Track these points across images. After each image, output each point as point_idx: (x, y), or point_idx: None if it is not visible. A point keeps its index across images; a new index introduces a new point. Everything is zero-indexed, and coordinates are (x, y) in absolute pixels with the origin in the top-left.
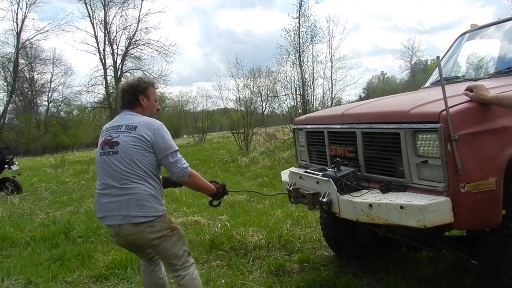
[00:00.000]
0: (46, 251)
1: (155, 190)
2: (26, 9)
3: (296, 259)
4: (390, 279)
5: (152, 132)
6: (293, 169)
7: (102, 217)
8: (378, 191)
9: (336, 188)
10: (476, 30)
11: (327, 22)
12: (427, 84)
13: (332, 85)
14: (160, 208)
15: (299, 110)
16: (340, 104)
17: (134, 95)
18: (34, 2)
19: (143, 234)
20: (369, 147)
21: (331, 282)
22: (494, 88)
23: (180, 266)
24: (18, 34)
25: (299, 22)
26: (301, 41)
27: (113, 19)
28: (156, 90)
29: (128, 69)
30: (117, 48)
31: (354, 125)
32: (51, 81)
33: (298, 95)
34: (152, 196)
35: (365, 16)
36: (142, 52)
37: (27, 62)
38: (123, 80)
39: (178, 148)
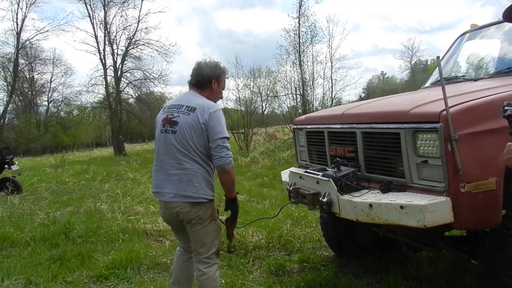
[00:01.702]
0: (46, 251)
1: (207, 173)
2: (26, 9)
3: (296, 259)
4: (390, 279)
5: (208, 114)
6: (293, 169)
7: (155, 192)
8: (378, 191)
9: (336, 188)
10: (476, 30)
11: (327, 22)
12: (427, 84)
13: (332, 85)
14: (209, 192)
15: (299, 110)
16: (340, 104)
17: (209, 77)
18: (34, 2)
19: (187, 209)
20: (369, 147)
21: (331, 282)
22: (494, 88)
23: (205, 258)
24: (18, 34)
25: (299, 22)
26: (301, 41)
27: (113, 19)
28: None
29: (128, 69)
30: (117, 48)
31: (354, 125)
32: (51, 81)
33: (298, 95)
34: (204, 178)
35: (365, 16)
36: (142, 52)
37: (27, 62)
38: (123, 81)
39: (229, 137)
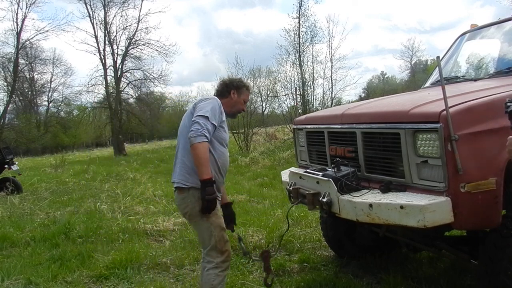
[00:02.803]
0: (46, 251)
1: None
2: (26, 9)
3: (296, 259)
4: (390, 279)
5: (200, 100)
6: (293, 169)
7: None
8: (378, 191)
9: (336, 188)
10: (476, 30)
11: (327, 22)
12: (427, 84)
13: (332, 85)
14: (190, 179)
15: (299, 110)
16: (340, 104)
17: (228, 87)
18: (34, 2)
19: (179, 200)
20: (369, 147)
21: (331, 282)
22: (494, 88)
23: (205, 254)
24: (18, 34)
25: (299, 22)
26: (301, 41)
27: (113, 19)
28: (249, 97)
29: (128, 69)
30: (117, 48)
31: (354, 125)
32: (51, 81)
33: (298, 95)
34: (186, 164)
35: (365, 16)
36: (142, 52)
37: (27, 62)
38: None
39: (208, 115)
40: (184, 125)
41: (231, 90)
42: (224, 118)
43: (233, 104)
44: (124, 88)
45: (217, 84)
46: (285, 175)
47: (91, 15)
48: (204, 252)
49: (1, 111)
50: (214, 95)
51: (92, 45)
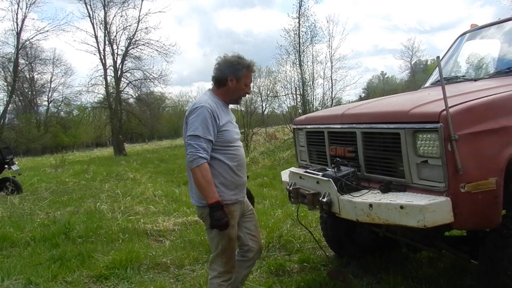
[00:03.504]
0: (46, 251)
1: (211, 171)
2: (26, 9)
3: (296, 259)
4: (390, 279)
5: (189, 111)
6: (293, 169)
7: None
8: (378, 191)
9: (336, 188)
10: (476, 30)
11: (327, 22)
12: (427, 84)
13: (332, 85)
14: (202, 200)
15: (299, 110)
16: (340, 104)
17: (223, 73)
18: (34, 2)
19: (199, 215)
20: (369, 147)
21: (331, 282)
22: (494, 88)
23: (211, 260)
24: (18, 34)
25: (299, 22)
26: (301, 41)
27: (113, 19)
28: (252, 74)
29: (128, 69)
30: (117, 48)
31: (354, 125)
32: (51, 81)
33: (298, 95)
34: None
35: (365, 16)
36: (142, 52)
37: (27, 62)
38: (123, 81)
39: (198, 134)
40: (185, 138)
41: (227, 77)
42: (223, 119)
43: (232, 92)
44: (124, 88)
45: (214, 67)
46: (285, 175)
47: (91, 15)
48: (210, 257)
49: (1, 111)
50: (209, 89)
51: (92, 45)
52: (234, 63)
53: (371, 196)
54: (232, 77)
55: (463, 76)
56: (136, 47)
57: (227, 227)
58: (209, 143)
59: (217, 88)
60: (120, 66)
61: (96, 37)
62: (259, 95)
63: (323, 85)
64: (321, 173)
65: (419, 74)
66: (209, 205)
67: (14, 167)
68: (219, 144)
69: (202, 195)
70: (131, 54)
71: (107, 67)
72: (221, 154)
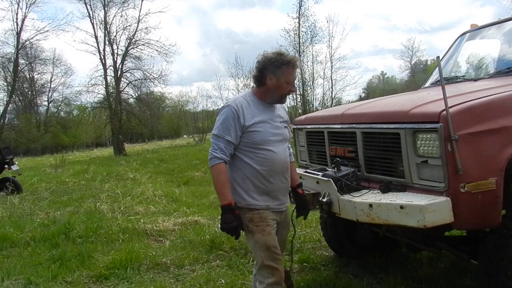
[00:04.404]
0: (46, 251)
1: (239, 174)
2: (26, 9)
3: (296, 259)
4: (390, 279)
5: (220, 109)
6: None
7: None
8: (378, 191)
9: (336, 188)
10: (476, 30)
11: (327, 22)
12: (427, 84)
13: (332, 85)
14: (239, 199)
15: (299, 110)
16: (340, 104)
17: (262, 72)
18: (34, 2)
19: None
20: (369, 147)
21: (331, 282)
22: (494, 88)
23: (256, 271)
24: (18, 34)
25: (299, 22)
26: (301, 41)
27: (113, 19)
28: (295, 70)
29: (128, 69)
30: (117, 48)
31: (354, 125)
32: (51, 81)
33: (298, 95)
34: (235, 181)
35: (364, 16)
36: (142, 52)
37: (27, 62)
38: (123, 81)
39: (218, 133)
40: None
41: (266, 76)
42: (253, 119)
43: (273, 91)
44: (124, 88)
45: (254, 67)
46: None
47: (91, 15)
48: (255, 269)
49: (1, 111)
50: (251, 87)
51: (92, 45)
52: (272, 60)
53: (371, 196)
54: (271, 76)
55: (463, 76)
56: (136, 47)
57: (236, 233)
58: (228, 144)
59: (258, 87)
60: (120, 66)
61: (96, 37)
62: None
63: (323, 85)
64: (321, 173)
65: (419, 74)
66: (221, 207)
67: (14, 167)
68: (245, 145)
69: (217, 193)
70: (131, 54)
71: (107, 67)
72: (247, 157)
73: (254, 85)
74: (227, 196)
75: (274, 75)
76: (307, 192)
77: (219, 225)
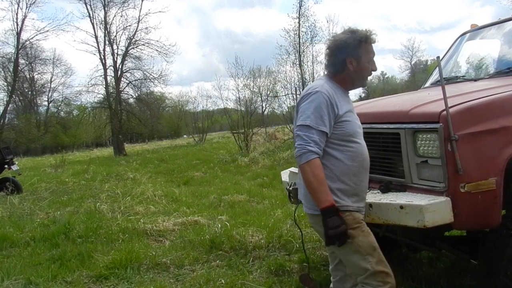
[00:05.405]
0: (46, 251)
1: (327, 172)
2: (26, 9)
3: (296, 259)
4: None
5: (301, 97)
6: (293, 169)
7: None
8: (378, 191)
9: None
10: (476, 30)
11: (327, 22)
12: (427, 84)
13: None
14: (311, 202)
15: None
16: None
17: (338, 57)
18: (34, 2)
19: (312, 224)
20: (369, 147)
21: (331, 282)
22: (494, 88)
23: (362, 282)
24: (18, 34)
25: (299, 22)
26: (301, 41)
27: (113, 19)
28: (372, 45)
29: (128, 69)
30: (117, 48)
31: None
32: (51, 81)
33: (298, 95)
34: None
35: (364, 16)
36: (142, 52)
37: (27, 62)
38: (123, 81)
39: (310, 124)
40: (294, 128)
41: (346, 60)
42: (343, 107)
43: (357, 75)
44: (124, 88)
45: (324, 54)
46: (285, 175)
47: (91, 15)
48: (360, 280)
49: (1, 111)
50: (324, 75)
51: (92, 45)
52: (347, 40)
53: (371, 196)
54: (351, 59)
55: (463, 76)
56: (136, 47)
57: (346, 239)
58: (322, 135)
59: (335, 75)
60: (120, 66)
61: (96, 37)
62: (259, 95)
63: None
64: None
65: (419, 74)
66: (320, 210)
67: (14, 167)
68: (337, 138)
69: (313, 197)
70: (131, 54)
71: (107, 67)
72: (338, 151)
73: (329, 74)
74: (328, 196)
75: (354, 57)
76: None
77: (325, 235)
